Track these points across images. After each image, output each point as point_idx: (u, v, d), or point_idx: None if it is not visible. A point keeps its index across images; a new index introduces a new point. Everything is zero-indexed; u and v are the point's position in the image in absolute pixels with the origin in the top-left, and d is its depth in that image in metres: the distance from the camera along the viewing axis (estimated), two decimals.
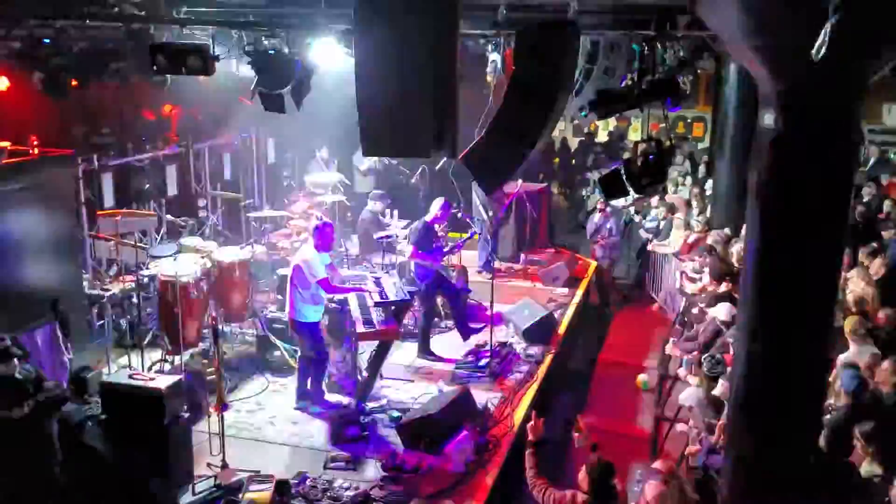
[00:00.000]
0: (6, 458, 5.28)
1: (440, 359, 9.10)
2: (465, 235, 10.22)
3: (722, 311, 7.68)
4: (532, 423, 5.18)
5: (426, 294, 9.12)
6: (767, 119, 3.86)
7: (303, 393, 7.88)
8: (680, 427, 7.24)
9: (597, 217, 12.57)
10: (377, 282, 8.31)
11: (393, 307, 7.86)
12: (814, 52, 2.84)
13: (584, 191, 16.00)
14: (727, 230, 10.39)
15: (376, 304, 7.79)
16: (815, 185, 3.77)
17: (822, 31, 2.77)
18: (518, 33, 5.01)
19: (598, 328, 11.54)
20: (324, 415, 7.70)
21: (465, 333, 9.51)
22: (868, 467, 5.00)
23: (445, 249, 9.53)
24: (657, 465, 4.65)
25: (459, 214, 10.78)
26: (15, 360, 5.42)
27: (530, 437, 5.16)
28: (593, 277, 12.41)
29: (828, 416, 5.34)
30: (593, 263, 12.52)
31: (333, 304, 8.06)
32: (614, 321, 11.86)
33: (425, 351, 9.17)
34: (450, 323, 9.89)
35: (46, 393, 5.53)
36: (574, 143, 18.46)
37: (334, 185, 11.87)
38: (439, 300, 9.70)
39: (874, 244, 8.76)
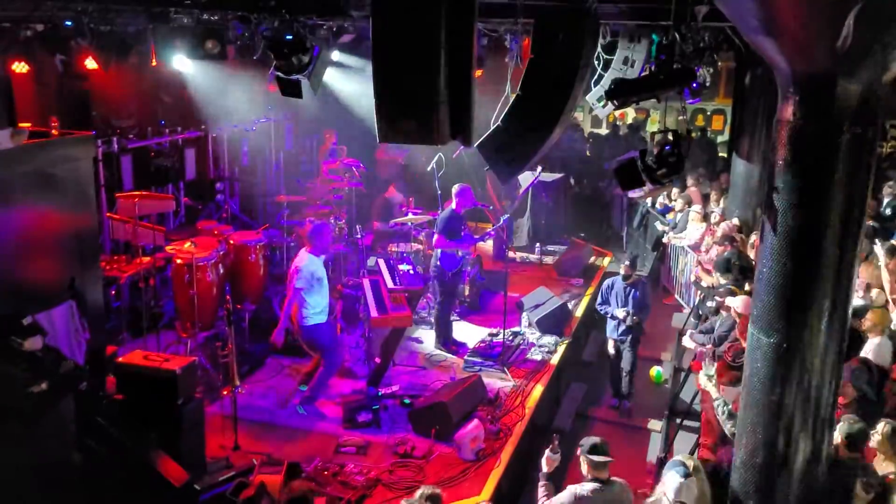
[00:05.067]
0: (22, 435, 5.34)
1: (460, 348, 9.09)
2: (490, 227, 10.15)
3: (738, 304, 7.64)
4: (547, 455, 5.12)
5: (450, 283, 9.07)
6: (785, 110, 3.83)
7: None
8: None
9: (617, 283, 8.82)
10: (391, 268, 8.34)
11: (406, 294, 7.88)
12: (839, 42, 2.81)
13: (602, 183, 15.94)
14: (735, 220, 10.37)
15: (390, 291, 7.82)
16: (832, 176, 3.73)
17: (847, 21, 2.73)
18: (536, 21, 4.99)
19: None
20: (335, 399, 7.73)
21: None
22: (883, 465, 4.97)
23: (476, 237, 9.41)
24: (678, 458, 4.64)
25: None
26: (41, 338, 5.48)
27: (545, 469, 5.07)
28: (609, 358, 9.12)
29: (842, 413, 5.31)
30: (609, 341, 8.95)
31: (348, 290, 8.10)
32: None
33: (446, 341, 9.13)
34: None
35: (63, 371, 5.58)
36: (593, 133, 18.41)
37: (350, 171, 11.89)
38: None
39: (893, 242, 8.67)
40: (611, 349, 8.97)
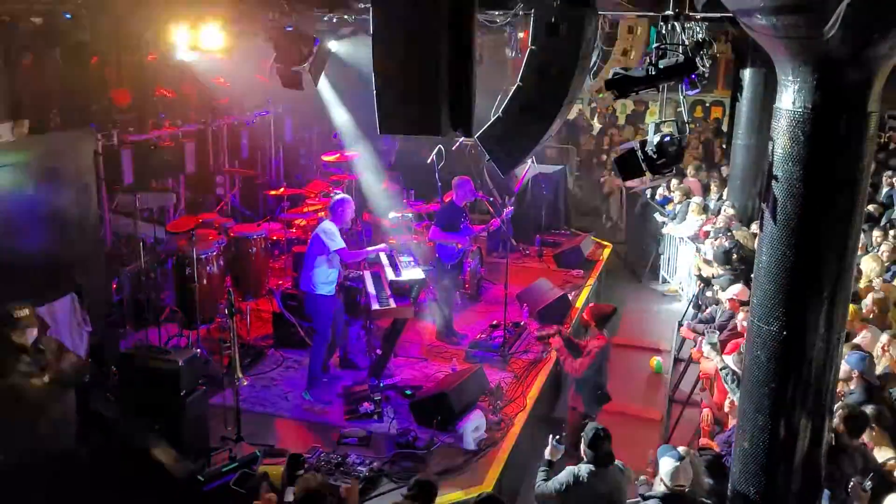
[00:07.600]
0: (25, 428, 5.36)
1: (461, 339, 9.09)
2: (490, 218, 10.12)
3: (734, 291, 7.70)
4: (552, 444, 5.26)
5: (449, 274, 9.06)
6: (784, 99, 3.84)
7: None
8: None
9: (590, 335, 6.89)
10: (392, 260, 8.34)
11: (407, 285, 7.89)
12: (826, 28, 2.82)
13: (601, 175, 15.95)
14: (730, 210, 10.40)
15: (391, 283, 7.83)
16: (832, 165, 3.75)
17: (837, 10, 2.75)
18: (536, 12, 4.99)
19: None
20: (336, 390, 7.74)
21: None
22: (880, 451, 5.01)
23: (477, 229, 9.39)
24: (670, 445, 4.71)
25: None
26: (35, 330, 5.49)
27: (547, 457, 5.27)
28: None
29: (841, 400, 5.34)
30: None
31: (349, 282, 8.10)
32: (629, 304, 11.82)
33: (447, 332, 9.12)
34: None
35: (66, 364, 5.60)
36: (592, 125, 18.38)
37: (351, 164, 11.87)
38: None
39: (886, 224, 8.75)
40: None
